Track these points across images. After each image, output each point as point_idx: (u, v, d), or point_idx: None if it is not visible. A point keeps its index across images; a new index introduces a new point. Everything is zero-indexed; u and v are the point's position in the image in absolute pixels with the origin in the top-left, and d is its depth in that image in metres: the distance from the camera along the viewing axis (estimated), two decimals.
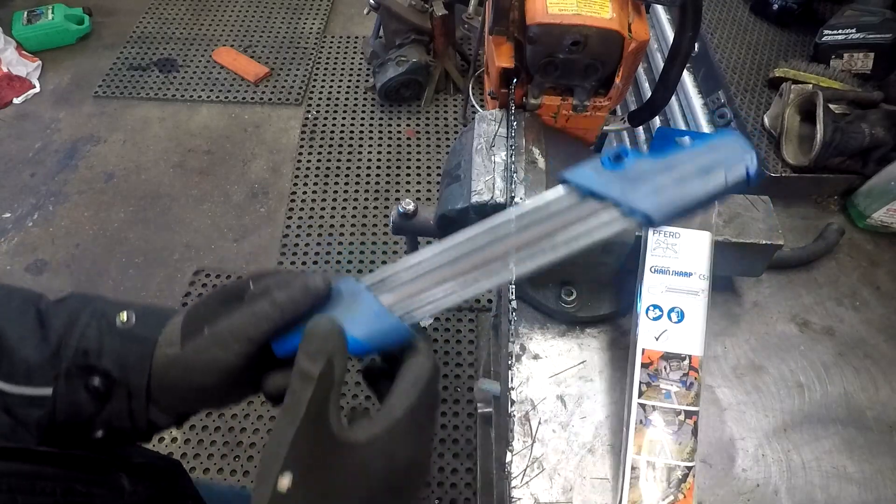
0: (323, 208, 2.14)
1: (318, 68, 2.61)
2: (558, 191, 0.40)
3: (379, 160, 2.28)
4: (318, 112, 2.45)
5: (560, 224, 0.39)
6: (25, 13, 2.62)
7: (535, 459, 0.58)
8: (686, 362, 0.56)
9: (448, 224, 0.67)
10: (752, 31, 1.03)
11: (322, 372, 0.33)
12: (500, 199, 0.62)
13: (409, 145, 2.33)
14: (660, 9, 1.23)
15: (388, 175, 2.22)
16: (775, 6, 1.01)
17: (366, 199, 2.16)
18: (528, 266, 0.39)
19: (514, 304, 0.55)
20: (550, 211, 0.40)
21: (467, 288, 0.41)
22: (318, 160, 2.28)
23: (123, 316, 0.44)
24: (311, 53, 2.66)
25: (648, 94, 1.26)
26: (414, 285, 0.40)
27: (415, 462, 0.37)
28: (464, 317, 1.86)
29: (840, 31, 0.90)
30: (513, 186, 0.61)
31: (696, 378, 0.56)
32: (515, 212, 0.40)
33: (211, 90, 2.52)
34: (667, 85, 0.74)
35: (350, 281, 0.40)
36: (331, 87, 2.54)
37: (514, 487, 0.56)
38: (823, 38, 0.91)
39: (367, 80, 2.53)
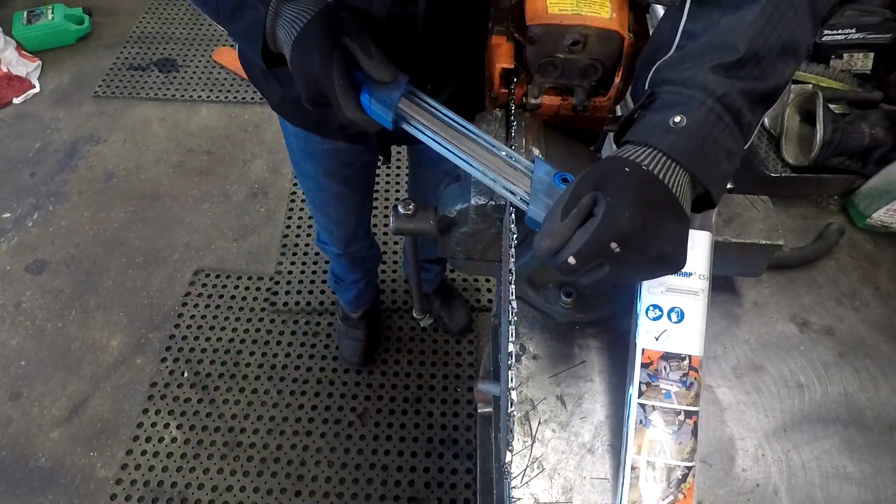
0: None
1: None
2: (528, 162, 0.60)
3: (379, 159, 2.28)
4: None
5: (506, 171, 0.59)
6: (25, 13, 2.62)
7: (535, 459, 0.58)
8: (686, 362, 0.56)
9: (448, 224, 0.67)
10: None
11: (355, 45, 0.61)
12: (500, 200, 0.62)
13: None
14: (660, 9, 1.23)
15: (388, 175, 2.22)
16: None
17: None
18: (471, 169, 0.60)
19: (514, 304, 0.55)
20: (510, 161, 0.60)
21: (438, 145, 0.62)
22: None
23: None
24: None
25: None
26: (419, 113, 0.63)
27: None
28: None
29: (840, 31, 0.90)
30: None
31: (695, 378, 0.56)
32: (504, 149, 0.61)
33: (211, 90, 2.53)
34: None
35: (402, 79, 0.63)
36: None
37: (514, 487, 0.56)
38: (823, 38, 0.91)
39: None
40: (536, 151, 0.63)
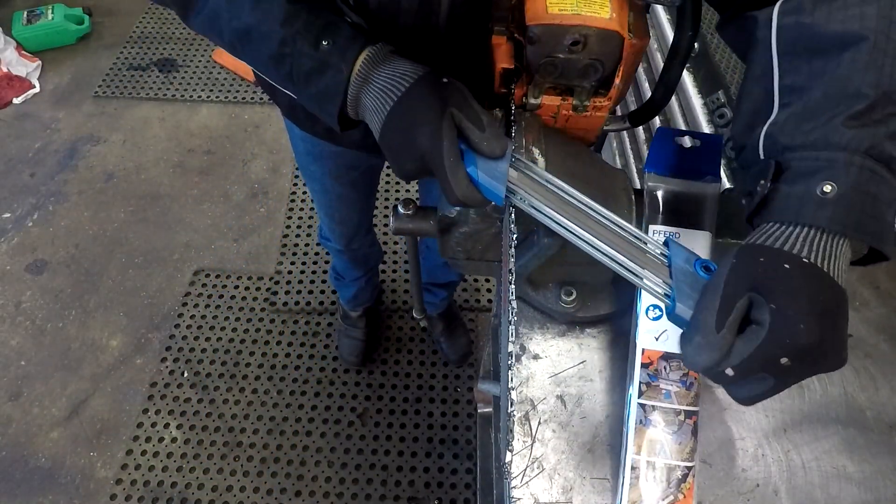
0: None
1: None
2: (659, 242, 0.52)
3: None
4: None
5: (637, 256, 0.51)
6: (25, 13, 2.62)
7: (535, 459, 0.58)
8: None
9: (448, 224, 0.67)
10: None
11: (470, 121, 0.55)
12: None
13: None
14: (660, 9, 1.24)
15: (387, 175, 2.22)
16: None
17: None
18: (600, 256, 0.52)
19: (514, 304, 0.55)
20: (638, 243, 0.52)
21: (559, 225, 0.54)
22: None
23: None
24: None
25: (648, 94, 1.26)
26: (530, 185, 0.56)
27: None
28: (464, 317, 1.86)
29: None
30: None
31: (695, 378, 0.56)
32: (630, 229, 0.53)
33: (211, 90, 2.53)
34: (667, 85, 0.74)
35: (508, 146, 0.56)
36: None
37: (514, 487, 0.56)
38: None
39: None
40: (536, 152, 0.63)
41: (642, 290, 0.58)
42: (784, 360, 0.41)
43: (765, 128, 0.50)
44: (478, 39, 0.75)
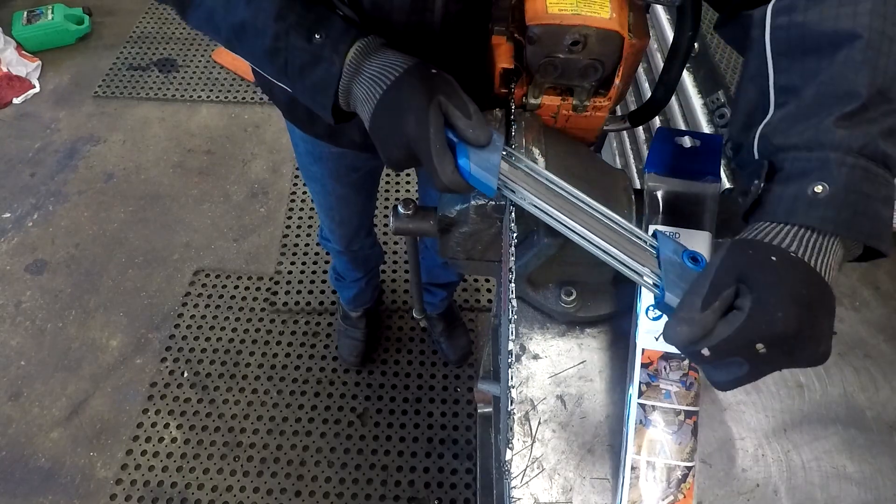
0: None
1: None
2: (646, 234, 0.54)
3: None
4: None
5: (627, 247, 0.52)
6: (25, 13, 2.62)
7: (534, 459, 0.58)
8: (686, 362, 0.56)
9: (448, 224, 0.67)
10: None
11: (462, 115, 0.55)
12: (500, 200, 0.62)
13: None
14: (660, 9, 1.24)
15: (387, 176, 2.22)
16: None
17: None
18: (591, 246, 0.53)
19: (514, 303, 0.55)
20: (628, 235, 0.53)
21: (549, 217, 0.55)
22: None
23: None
24: None
25: (648, 94, 1.26)
26: (522, 178, 0.56)
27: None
28: (464, 317, 1.86)
29: None
30: None
31: (695, 378, 0.56)
32: (620, 221, 0.54)
33: (211, 90, 2.53)
34: (667, 85, 0.74)
35: (498, 139, 0.57)
36: None
37: (514, 487, 0.56)
38: None
39: None
40: (536, 151, 0.63)
41: (642, 290, 0.58)
42: (760, 347, 0.42)
43: (759, 128, 0.50)
44: (475, 39, 0.75)
